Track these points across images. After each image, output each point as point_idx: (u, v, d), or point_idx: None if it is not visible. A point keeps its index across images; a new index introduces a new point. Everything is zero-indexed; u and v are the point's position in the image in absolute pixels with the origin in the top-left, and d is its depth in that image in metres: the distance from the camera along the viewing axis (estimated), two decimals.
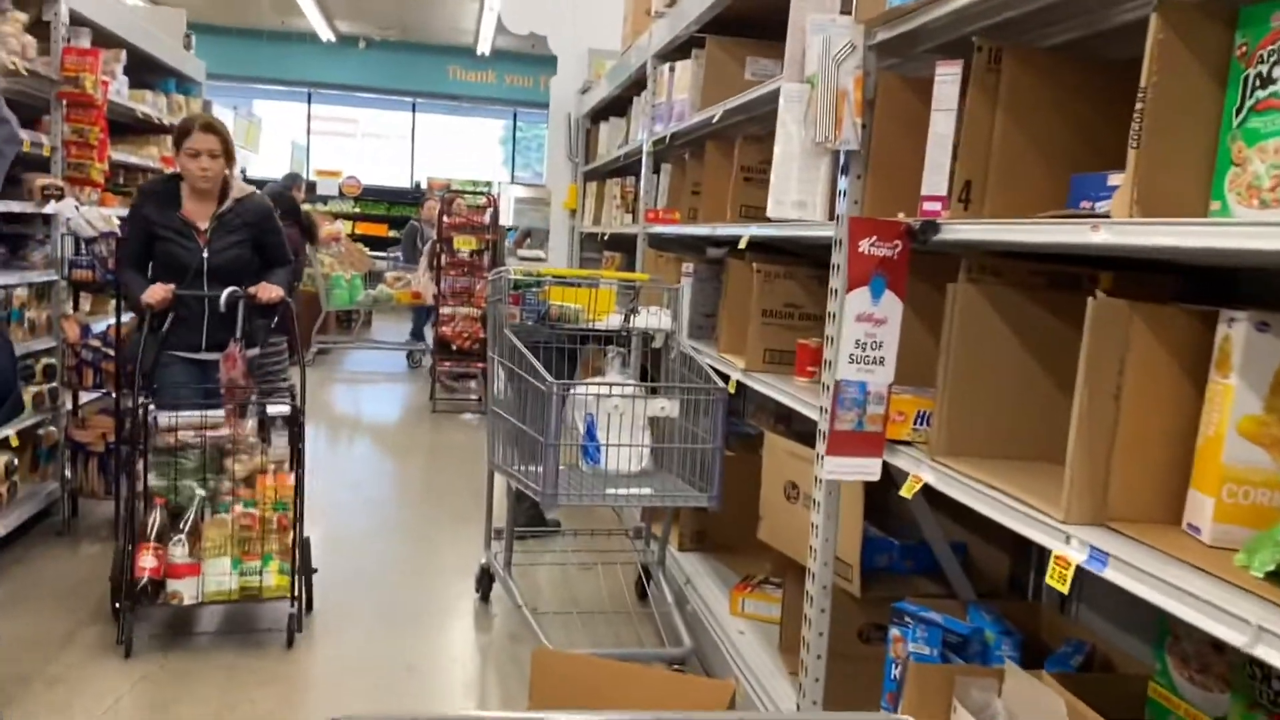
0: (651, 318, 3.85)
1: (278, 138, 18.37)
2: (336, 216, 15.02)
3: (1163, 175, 1.51)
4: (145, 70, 6.23)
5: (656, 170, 5.15)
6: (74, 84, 4.45)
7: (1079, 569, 1.53)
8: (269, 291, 3.83)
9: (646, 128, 5.08)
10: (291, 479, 3.69)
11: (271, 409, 3.89)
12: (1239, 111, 1.45)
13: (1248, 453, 1.48)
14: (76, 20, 4.58)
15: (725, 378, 3.38)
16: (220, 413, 3.70)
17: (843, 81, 2.32)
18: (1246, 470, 1.48)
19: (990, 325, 2.00)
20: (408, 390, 9.13)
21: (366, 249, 13.68)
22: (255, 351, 4.04)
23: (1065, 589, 1.55)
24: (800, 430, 3.46)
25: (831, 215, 2.44)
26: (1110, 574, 1.48)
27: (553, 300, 3.79)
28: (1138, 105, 1.51)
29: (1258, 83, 1.42)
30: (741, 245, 3.30)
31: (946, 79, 2.10)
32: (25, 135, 4.16)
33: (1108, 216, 1.59)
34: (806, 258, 3.56)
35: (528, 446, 3.39)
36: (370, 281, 10.97)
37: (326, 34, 17.27)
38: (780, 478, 2.93)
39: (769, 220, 3.77)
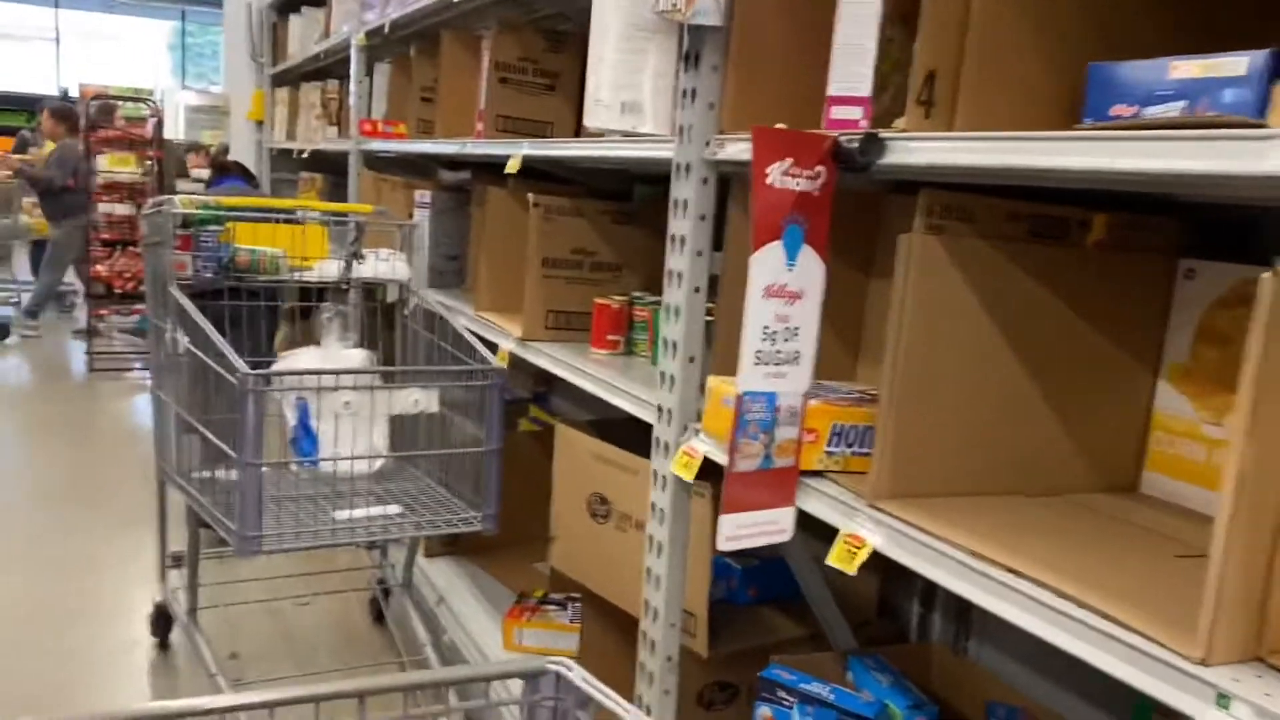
0: (382, 264, 2.91)
1: None
2: None
3: None
4: None
5: (370, 72, 4.11)
6: None
7: None
8: None
9: (355, 16, 4.02)
10: None
11: None
12: None
13: None
14: None
15: (492, 348, 2.53)
16: None
17: None
18: None
19: (957, 297, 1.30)
20: (56, 345, 7.44)
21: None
22: None
23: None
24: (582, 399, 2.69)
25: (676, 126, 1.65)
26: None
27: (240, 243, 2.76)
28: None
29: None
30: (510, 169, 2.43)
31: None
32: None
33: (1221, 125, 0.92)
34: (590, 186, 2.76)
35: (213, 451, 2.40)
36: (2, 210, 8.97)
37: None
38: (581, 488, 2.15)
39: (546, 137, 2.93)
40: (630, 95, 1.60)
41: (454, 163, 3.71)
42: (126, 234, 6.61)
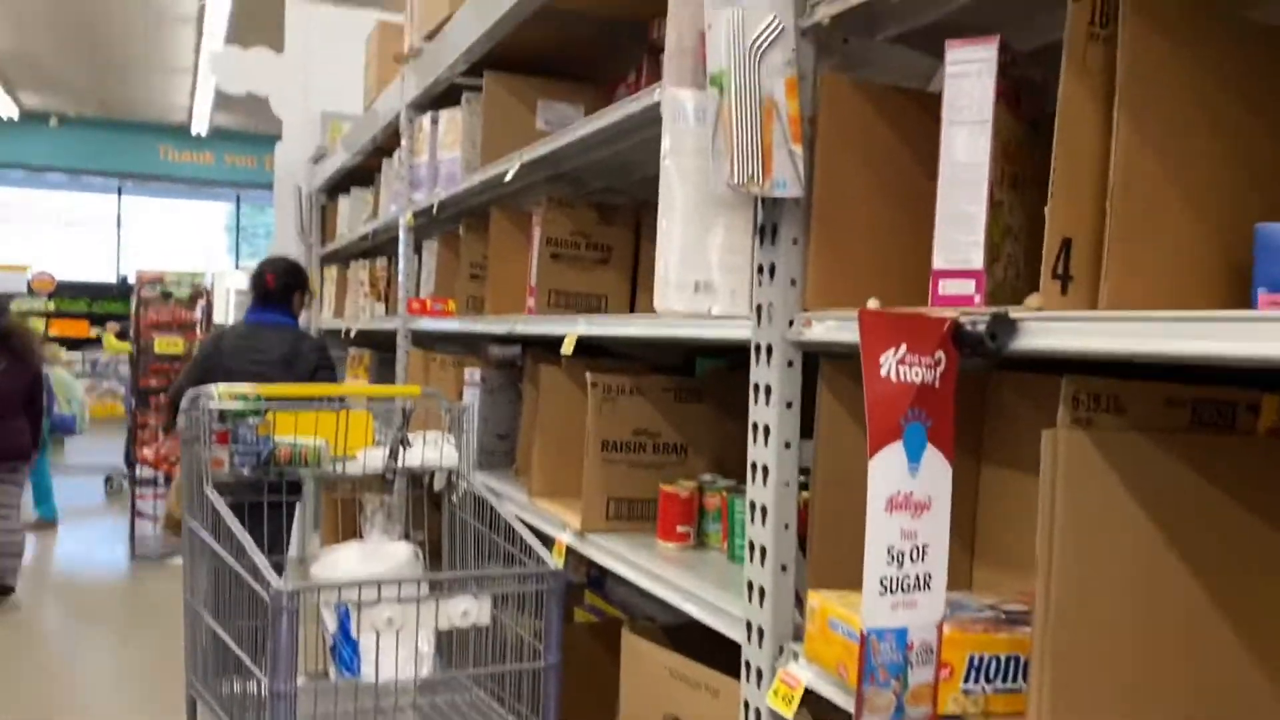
0: (430, 451, 2.73)
1: None
2: (26, 316, 12.77)
3: None
4: None
5: (418, 250, 4.07)
6: None
7: None
8: None
9: (403, 196, 3.99)
10: None
11: None
12: None
13: None
14: None
15: (547, 541, 2.32)
16: None
17: (768, 86, 1.38)
18: None
19: (1114, 502, 1.08)
20: (104, 529, 7.30)
21: (64, 351, 11.73)
22: None
23: None
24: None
25: (753, 304, 1.48)
26: None
27: (280, 435, 2.61)
28: None
29: None
30: (565, 349, 2.28)
31: (969, 69, 1.21)
32: None
33: None
34: (648, 360, 2.60)
35: (246, 673, 2.19)
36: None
37: (9, 109, 14.94)
38: (653, 709, 1.89)
39: (600, 311, 2.79)
40: (703, 274, 1.44)
41: (507, 339, 3.60)
42: (173, 418, 6.55)
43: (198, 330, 6.65)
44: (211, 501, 2.33)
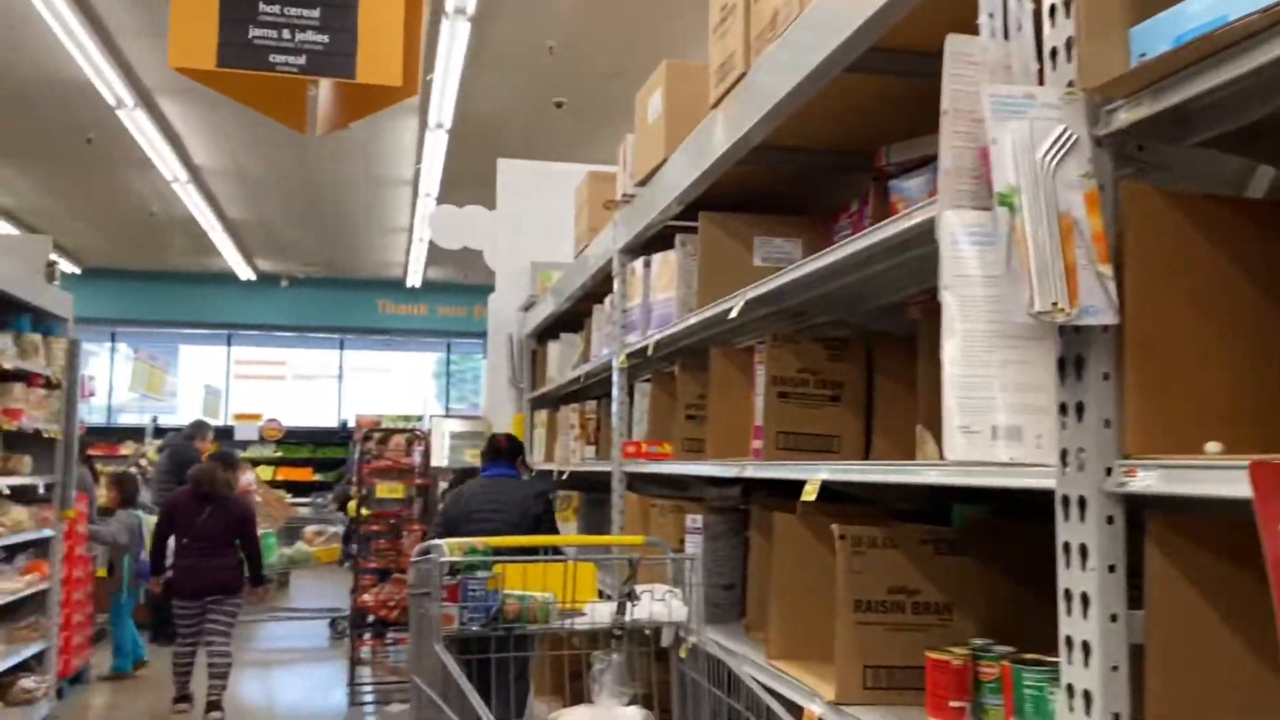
0: (658, 605, 2.59)
1: (196, 382, 17.21)
2: (256, 463, 13.66)
3: None
4: None
5: (630, 391, 4.03)
6: None
7: None
8: None
9: (615, 340, 3.99)
10: None
11: None
12: None
13: None
14: None
15: (795, 711, 2.10)
16: None
17: (1065, 201, 1.22)
18: None
19: None
20: (328, 673, 7.45)
21: (289, 495, 12.29)
22: None
23: None
24: None
25: (1059, 449, 1.28)
26: None
27: (509, 589, 2.53)
28: None
29: None
30: (808, 495, 2.11)
31: None
32: None
33: None
34: (890, 506, 2.39)
35: None
36: (286, 538, 9.51)
37: (246, 273, 16.42)
38: None
39: (831, 452, 2.62)
40: (993, 416, 1.26)
41: (717, 480, 3.46)
42: (392, 562, 6.72)
43: (415, 475, 6.85)
44: (444, 659, 2.26)
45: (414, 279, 16.37)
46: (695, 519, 3.09)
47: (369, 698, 6.54)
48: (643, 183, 3.61)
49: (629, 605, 2.58)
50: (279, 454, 16.24)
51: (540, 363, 6.37)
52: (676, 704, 2.73)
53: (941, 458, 1.48)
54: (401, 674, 6.65)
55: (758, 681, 2.34)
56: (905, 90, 2.39)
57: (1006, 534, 2.08)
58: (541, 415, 6.27)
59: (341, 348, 18.48)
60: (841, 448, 2.59)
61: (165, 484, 8.13)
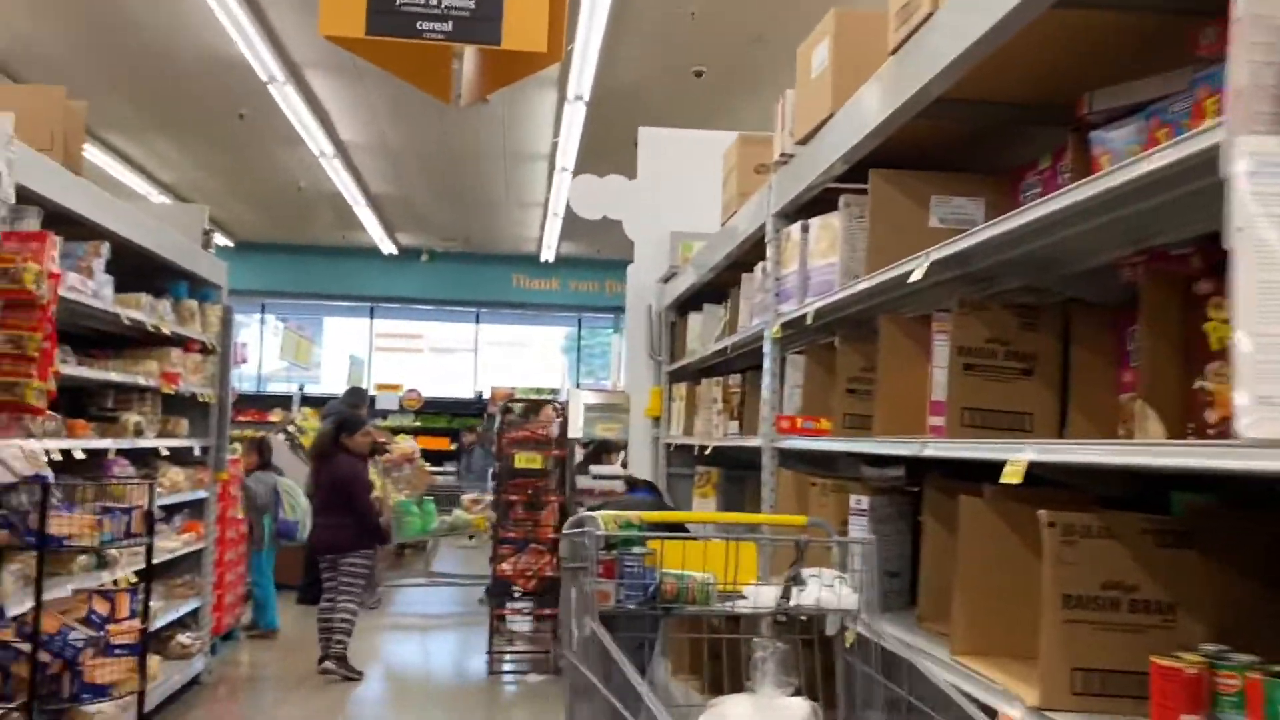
0: (827, 591, 2.41)
1: (339, 352, 17.78)
2: (397, 431, 14.00)
3: None
4: (151, 273, 5.21)
5: (778, 365, 3.83)
6: (9, 278, 3.33)
7: None
8: None
9: (768, 309, 3.80)
10: None
11: None
12: None
13: None
14: (25, 198, 3.51)
15: (990, 714, 1.90)
16: None
17: None
18: None
19: None
20: (474, 639, 7.39)
21: (429, 465, 12.56)
22: None
23: None
24: None
25: None
26: None
27: (668, 568, 2.39)
28: None
29: None
30: (1010, 477, 1.89)
31: None
32: None
33: None
34: (1092, 491, 2.15)
35: None
36: (445, 506, 9.67)
37: (388, 247, 16.82)
38: None
39: (1023, 430, 2.39)
40: None
41: (879, 459, 3.24)
42: (529, 532, 6.72)
43: (553, 446, 6.82)
44: (602, 640, 2.14)
45: (548, 254, 16.47)
46: (860, 500, 2.89)
47: (508, 667, 6.56)
48: (804, 141, 3.40)
49: (795, 590, 2.41)
50: (418, 423, 16.60)
51: (680, 335, 6.23)
52: (842, 696, 2.55)
53: (1195, 436, 1.26)
54: (541, 644, 6.66)
55: (951, 684, 2.14)
56: (1118, 25, 2.14)
57: (1239, 526, 1.83)
58: (680, 388, 6.13)
59: (477, 321, 18.79)
60: (1035, 425, 2.35)
61: None
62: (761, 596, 2.43)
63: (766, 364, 3.78)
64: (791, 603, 2.43)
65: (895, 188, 2.92)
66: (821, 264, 3.36)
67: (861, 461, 3.45)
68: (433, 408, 17.16)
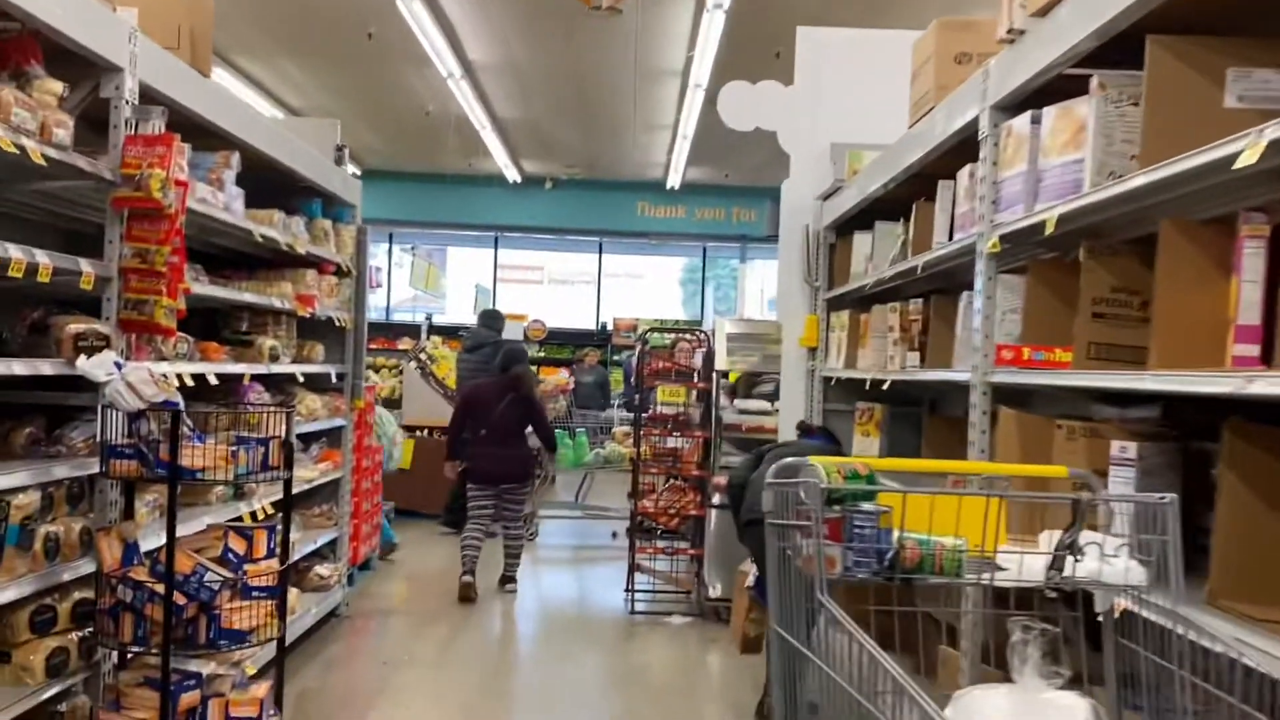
0: (1111, 562, 1.91)
1: (464, 280, 17.71)
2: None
3: None
4: (283, 191, 4.92)
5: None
6: (134, 184, 3.02)
7: None
8: None
9: (979, 220, 3.24)
10: None
11: None
12: None
13: None
14: (149, 98, 3.19)
15: None
16: None
17: None
18: None
19: None
20: (619, 574, 7.05)
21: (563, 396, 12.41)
22: None
23: None
24: None
25: None
26: None
27: (909, 530, 1.92)
28: None
29: None
30: None
31: None
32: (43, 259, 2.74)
33: None
34: None
35: None
36: (596, 437, 9.43)
37: (513, 175, 16.52)
38: None
39: None
40: None
41: (1123, 396, 2.69)
42: (671, 469, 6.33)
43: (697, 379, 6.39)
44: (844, 623, 1.70)
45: (674, 180, 15.91)
46: (1126, 447, 2.36)
47: (649, 607, 6.24)
48: (1042, 11, 2.81)
49: (1071, 560, 1.92)
50: (542, 354, 16.45)
51: (842, 257, 5.67)
52: (1112, 686, 2.07)
53: None
54: (683, 584, 6.31)
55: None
56: None
57: None
58: (840, 316, 5.59)
59: (600, 250, 18.43)
60: None
61: (473, 376, 8.14)
62: (1029, 567, 1.95)
63: (979, 284, 3.23)
64: (1066, 573, 1.95)
65: (1180, 58, 2.32)
66: (1059, 162, 2.79)
67: (1096, 401, 2.91)
68: (556, 338, 16.97)
